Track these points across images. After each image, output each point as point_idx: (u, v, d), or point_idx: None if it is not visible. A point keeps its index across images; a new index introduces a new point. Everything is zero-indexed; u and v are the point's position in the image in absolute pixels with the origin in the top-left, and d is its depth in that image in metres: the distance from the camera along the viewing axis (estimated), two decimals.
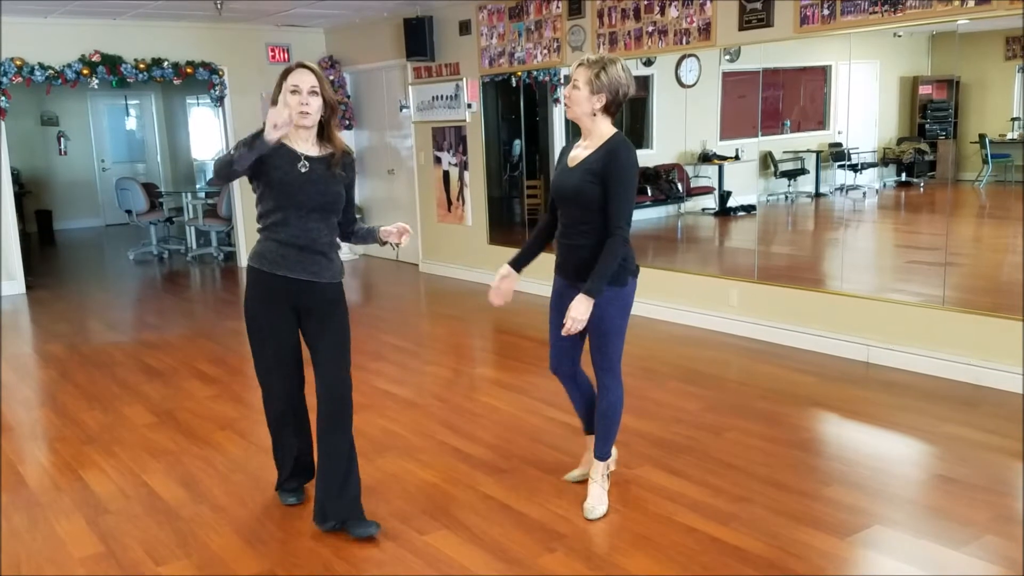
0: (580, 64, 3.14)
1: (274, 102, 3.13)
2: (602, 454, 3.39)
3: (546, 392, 4.90)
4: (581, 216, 3.17)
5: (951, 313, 4.93)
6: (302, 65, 3.14)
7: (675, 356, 5.57)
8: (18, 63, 8.14)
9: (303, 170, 3.12)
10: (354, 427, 3.30)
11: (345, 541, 3.20)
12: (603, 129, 3.17)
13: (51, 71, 8.31)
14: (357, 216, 3.49)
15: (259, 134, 2.93)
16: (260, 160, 3.05)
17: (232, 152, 2.99)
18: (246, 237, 9.73)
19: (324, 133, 3.21)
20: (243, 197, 9.63)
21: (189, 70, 9.04)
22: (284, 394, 3.37)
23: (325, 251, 3.19)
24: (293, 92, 3.09)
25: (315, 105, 3.10)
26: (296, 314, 3.24)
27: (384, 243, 3.32)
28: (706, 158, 6.93)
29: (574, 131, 7.42)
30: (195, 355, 5.98)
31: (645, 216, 7.36)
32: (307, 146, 3.18)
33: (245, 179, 3.17)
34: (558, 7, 7.07)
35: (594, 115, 3.14)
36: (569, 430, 4.27)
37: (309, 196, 3.12)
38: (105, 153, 14.17)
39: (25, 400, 5.20)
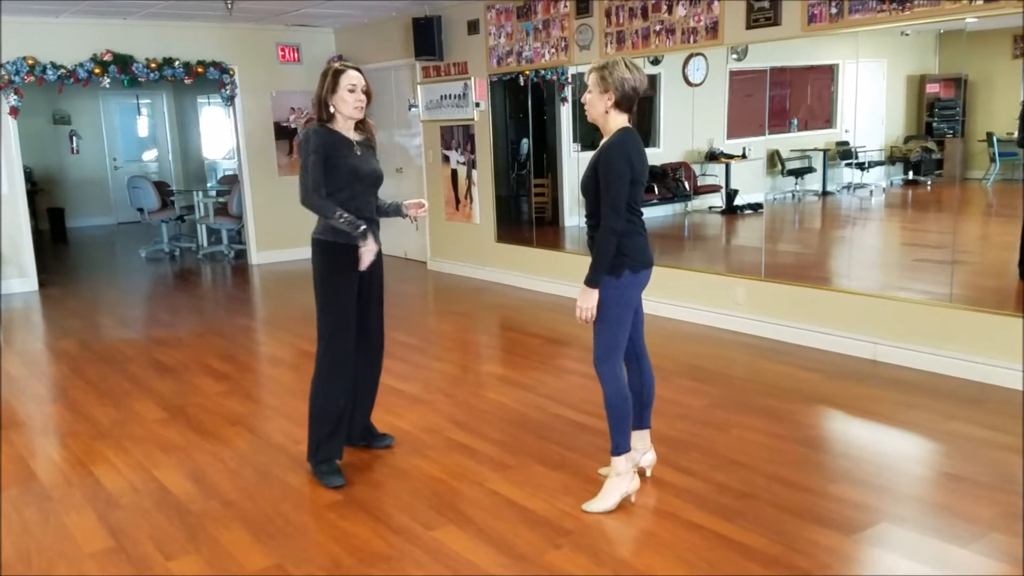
0: (590, 70, 3.32)
1: (323, 100, 3.66)
2: (614, 448, 3.38)
3: (553, 389, 4.92)
4: (591, 208, 3.34)
5: (958, 311, 4.93)
6: (352, 67, 3.71)
7: (681, 353, 5.58)
8: (30, 62, 8.20)
9: (358, 153, 3.73)
10: None
11: (354, 536, 3.23)
12: (612, 126, 3.32)
13: (63, 70, 8.37)
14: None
15: (360, 235, 3.60)
16: (334, 153, 3.65)
17: (340, 213, 3.59)
18: (256, 235, 9.79)
19: (362, 119, 3.80)
20: (253, 196, 9.69)
21: (200, 70, 9.09)
22: (351, 353, 3.81)
23: (377, 220, 3.83)
24: (350, 91, 3.64)
25: (365, 101, 3.71)
26: (362, 274, 3.77)
27: (406, 215, 3.96)
28: (713, 156, 6.93)
29: (582, 130, 7.46)
30: (205, 352, 6.02)
31: (652, 214, 7.35)
32: (352, 133, 3.76)
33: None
34: (566, 6, 7.08)
35: (607, 113, 3.30)
36: (575, 427, 4.30)
37: (368, 174, 3.75)
38: (117, 152, 14.26)
39: (37, 396, 5.25)
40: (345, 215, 3.61)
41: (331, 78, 3.65)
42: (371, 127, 3.87)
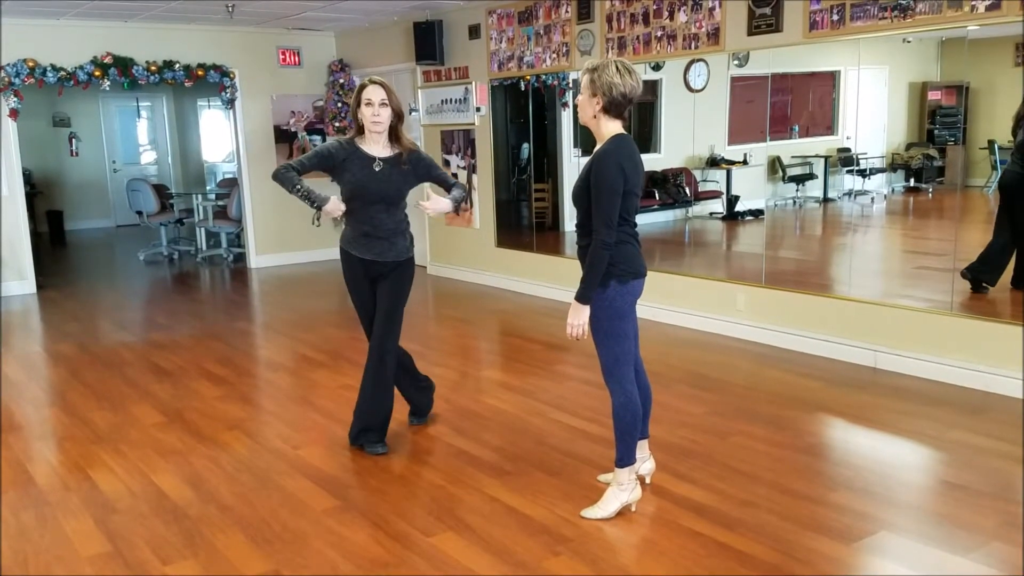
0: (582, 71, 3.23)
1: (353, 114, 3.86)
2: (617, 460, 3.34)
3: (552, 395, 4.91)
4: (581, 218, 3.25)
5: (959, 319, 4.92)
6: (373, 81, 3.82)
7: (681, 360, 5.56)
8: (30, 64, 8.19)
9: (377, 169, 3.84)
10: None
11: (352, 542, 3.22)
12: (604, 132, 3.23)
13: (63, 72, 8.36)
14: (453, 182, 4.14)
15: (320, 204, 3.84)
16: (337, 165, 3.85)
17: (298, 186, 3.82)
18: (255, 238, 9.78)
19: (394, 135, 3.88)
20: (252, 199, 9.67)
21: (200, 73, 9.09)
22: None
23: (386, 236, 3.92)
24: (367, 105, 3.78)
25: (385, 115, 3.80)
26: (373, 283, 4.01)
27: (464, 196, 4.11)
28: (714, 162, 6.93)
29: (582, 135, 7.45)
30: (204, 355, 6.01)
31: (652, 220, 7.37)
32: (379, 148, 3.87)
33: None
34: (567, 11, 7.08)
35: (596, 118, 3.21)
36: (574, 433, 4.28)
37: (372, 191, 3.84)
38: (116, 154, 14.25)
39: (35, 399, 5.24)
40: (302, 187, 3.82)
41: (356, 92, 3.83)
42: (404, 141, 3.91)
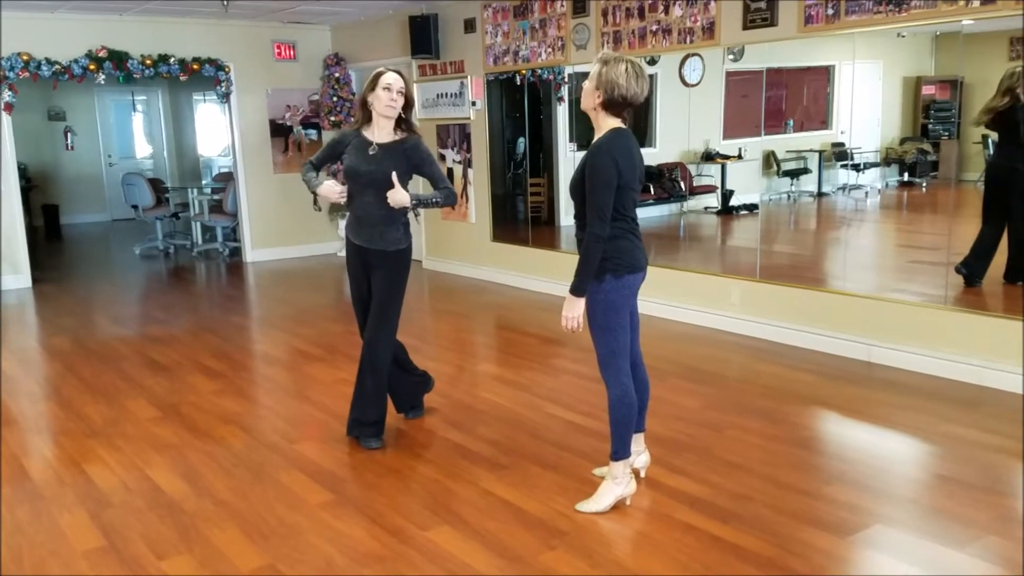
0: (597, 59, 3.22)
1: (363, 100, 3.94)
2: (612, 453, 3.35)
3: (548, 389, 4.91)
4: (578, 210, 3.26)
5: (953, 313, 4.93)
6: (393, 70, 3.95)
7: (676, 354, 5.57)
8: (25, 58, 8.16)
9: (372, 152, 3.89)
10: None
11: (348, 536, 3.22)
12: (602, 124, 3.23)
13: (58, 66, 8.33)
14: (441, 184, 4.03)
15: (314, 187, 4.00)
16: (343, 150, 3.99)
17: (303, 176, 4.09)
18: (251, 232, 9.76)
19: (401, 124, 3.95)
20: (248, 193, 9.66)
21: (195, 66, 9.06)
22: (362, 330, 4.16)
23: (377, 223, 3.93)
24: (386, 89, 3.86)
25: (400, 102, 3.88)
26: (368, 272, 4.04)
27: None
28: (709, 157, 6.93)
29: (578, 130, 7.45)
30: (199, 350, 6.00)
31: (647, 214, 7.37)
32: (383, 134, 3.93)
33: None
34: (563, 5, 7.07)
35: (595, 110, 3.21)
36: (571, 427, 4.29)
37: (363, 174, 3.89)
38: (112, 148, 14.21)
39: (30, 393, 5.23)
40: (304, 176, 4.06)
41: (372, 78, 3.93)
42: (410, 128, 3.98)
